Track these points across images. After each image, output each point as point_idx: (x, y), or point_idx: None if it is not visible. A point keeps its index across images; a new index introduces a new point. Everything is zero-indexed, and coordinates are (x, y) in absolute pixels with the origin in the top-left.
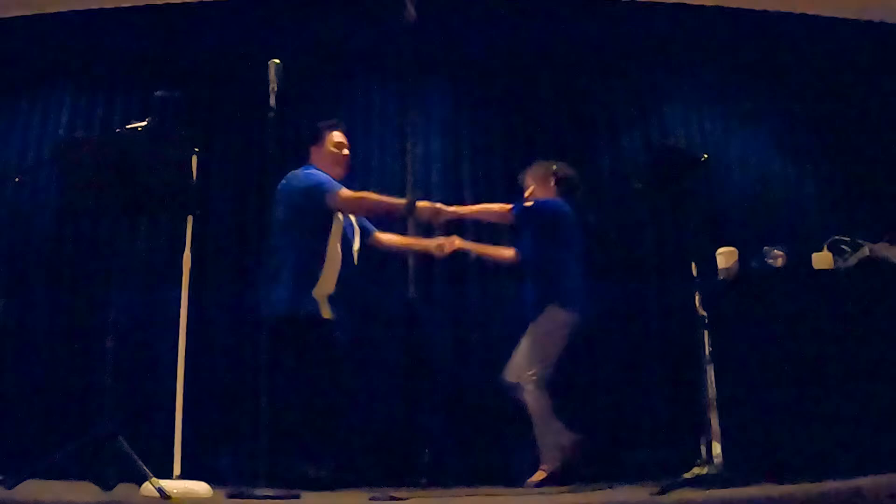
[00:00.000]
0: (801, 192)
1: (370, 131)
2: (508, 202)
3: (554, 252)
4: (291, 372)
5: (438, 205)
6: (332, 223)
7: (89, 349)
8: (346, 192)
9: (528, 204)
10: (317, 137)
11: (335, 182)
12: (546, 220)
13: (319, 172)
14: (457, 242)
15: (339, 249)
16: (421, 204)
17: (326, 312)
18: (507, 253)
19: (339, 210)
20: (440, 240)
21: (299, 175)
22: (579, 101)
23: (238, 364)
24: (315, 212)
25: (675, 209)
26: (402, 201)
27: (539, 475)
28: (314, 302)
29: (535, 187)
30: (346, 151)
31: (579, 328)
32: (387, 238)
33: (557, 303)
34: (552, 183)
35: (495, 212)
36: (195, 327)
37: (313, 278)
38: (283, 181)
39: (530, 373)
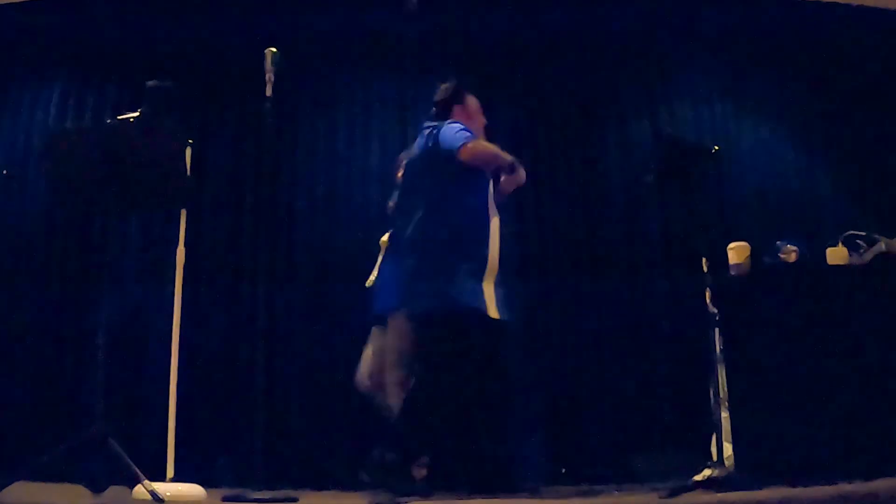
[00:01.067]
0: (816, 184)
1: (370, 123)
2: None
3: None
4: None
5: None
6: (487, 189)
7: (80, 347)
8: (473, 141)
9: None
10: (460, 96)
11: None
12: None
13: (457, 124)
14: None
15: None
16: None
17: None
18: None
19: (468, 158)
20: None
21: (440, 126)
22: (586, 92)
23: (234, 363)
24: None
25: (684, 203)
26: (510, 157)
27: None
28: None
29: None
30: (483, 118)
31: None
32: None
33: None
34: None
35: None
36: (189, 325)
37: (482, 263)
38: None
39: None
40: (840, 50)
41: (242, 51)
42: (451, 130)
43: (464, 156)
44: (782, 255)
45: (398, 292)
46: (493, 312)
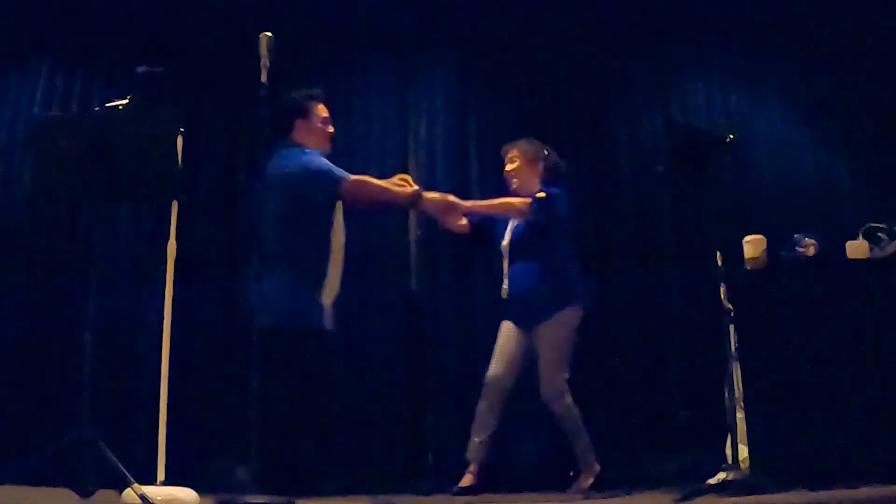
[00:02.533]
0: (835, 174)
1: (369, 111)
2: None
3: (569, 248)
4: (286, 380)
5: (450, 197)
6: (334, 214)
7: (66, 346)
8: (353, 178)
9: (542, 195)
10: (304, 111)
11: (338, 167)
12: (563, 212)
13: (315, 154)
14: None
15: (343, 244)
16: (430, 196)
17: (329, 322)
18: (518, 203)
19: (347, 199)
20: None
21: (297, 158)
22: (595, 79)
23: (227, 362)
24: (321, 202)
25: (698, 194)
26: (408, 191)
27: (588, 480)
28: (319, 309)
29: (523, 165)
30: (331, 127)
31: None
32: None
33: (576, 303)
34: (541, 166)
35: (516, 207)
36: (180, 323)
37: (319, 279)
38: (275, 163)
39: (565, 379)
40: (861, 34)
41: (236, 35)
42: (316, 173)
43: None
44: (800, 249)
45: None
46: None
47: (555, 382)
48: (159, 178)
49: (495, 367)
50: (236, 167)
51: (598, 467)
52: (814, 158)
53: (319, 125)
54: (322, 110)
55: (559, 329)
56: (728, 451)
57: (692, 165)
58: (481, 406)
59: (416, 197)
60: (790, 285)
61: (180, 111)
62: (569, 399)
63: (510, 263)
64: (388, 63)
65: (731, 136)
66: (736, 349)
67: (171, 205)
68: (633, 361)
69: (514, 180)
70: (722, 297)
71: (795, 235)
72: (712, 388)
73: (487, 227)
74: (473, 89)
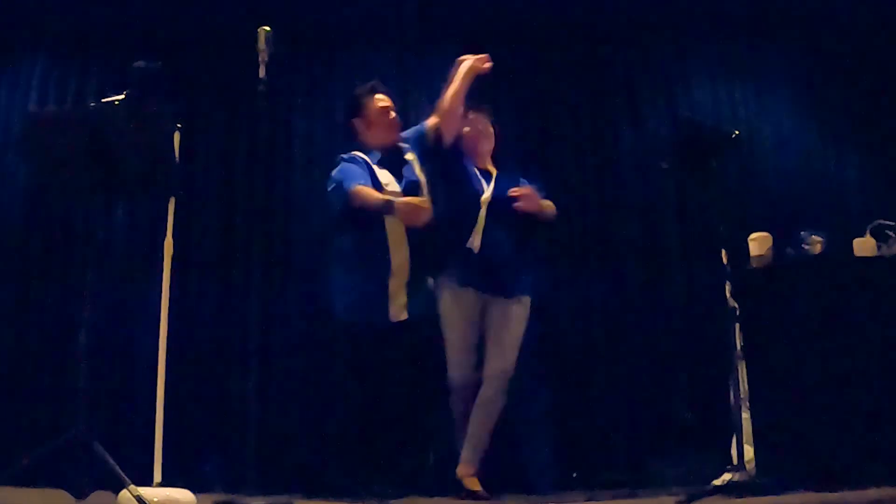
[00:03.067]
0: (842, 171)
1: None
2: (524, 183)
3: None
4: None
5: (419, 200)
6: (376, 224)
7: (62, 345)
8: (352, 189)
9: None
10: (357, 108)
11: (353, 176)
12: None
13: (347, 162)
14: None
15: (405, 258)
16: (401, 202)
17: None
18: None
19: (356, 208)
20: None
21: (333, 173)
22: (598, 73)
23: (225, 361)
24: (340, 213)
25: (702, 191)
26: (383, 198)
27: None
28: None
29: (490, 133)
30: (393, 114)
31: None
32: None
33: (529, 294)
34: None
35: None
36: (178, 322)
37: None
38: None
39: (512, 367)
40: (870, 29)
41: (234, 29)
42: (336, 177)
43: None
44: (806, 247)
45: None
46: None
47: (512, 363)
48: (156, 174)
49: (463, 363)
50: (235, 163)
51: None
52: (821, 154)
53: (379, 117)
54: (377, 101)
55: (520, 316)
56: (733, 451)
57: (697, 162)
58: (458, 413)
59: (389, 205)
60: (796, 284)
61: (177, 107)
62: (504, 392)
63: (487, 221)
64: (388, 57)
65: (737, 132)
66: (741, 348)
67: (168, 202)
68: (637, 361)
69: (487, 142)
70: (727, 295)
71: (802, 233)
72: (717, 388)
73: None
74: (475, 84)
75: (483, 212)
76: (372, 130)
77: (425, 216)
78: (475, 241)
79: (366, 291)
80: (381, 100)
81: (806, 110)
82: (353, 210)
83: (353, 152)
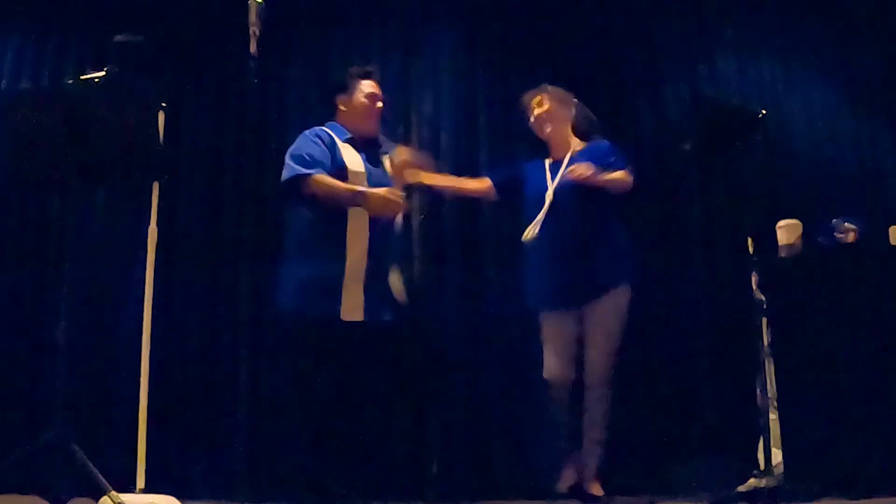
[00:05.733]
0: (877, 154)
1: None
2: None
3: (619, 215)
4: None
5: (391, 192)
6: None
7: (38, 340)
8: (313, 178)
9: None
10: (344, 87)
11: (311, 161)
12: (613, 165)
13: (311, 137)
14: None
15: (363, 251)
16: (374, 194)
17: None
18: (482, 186)
19: (308, 196)
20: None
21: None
22: (616, 48)
23: (213, 358)
24: (293, 195)
25: (727, 175)
26: (350, 189)
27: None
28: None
29: (553, 107)
30: (379, 104)
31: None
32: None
33: (626, 281)
34: (572, 112)
35: (479, 191)
36: (163, 315)
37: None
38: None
39: (610, 369)
40: None
41: (223, 1)
42: (292, 152)
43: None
44: (839, 235)
45: None
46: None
47: (605, 365)
48: (139, 157)
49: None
50: (223, 145)
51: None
52: (854, 136)
53: (363, 101)
54: (367, 86)
55: (611, 310)
56: (760, 455)
57: (721, 144)
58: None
59: (361, 196)
60: (828, 275)
61: (162, 84)
62: (608, 395)
63: (550, 216)
64: (389, 32)
65: (764, 112)
66: (769, 344)
67: (151, 186)
68: (657, 358)
69: (547, 125)
70: (753, 287)
71: (834, 220)
72: (743, 388)
73: (513, 182)
74: (482, 60)
75: (544, 211)
76: (353, 113)
77: (398, 209)
78: (533, 233)
79: (317, 283)
80: (372, 86)
81: (838, 87)
82: (302, 196)
83: (321, 128)
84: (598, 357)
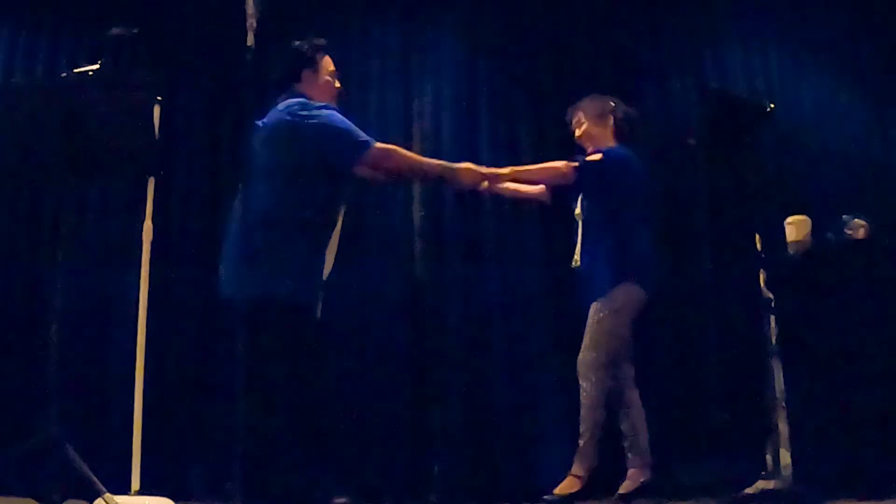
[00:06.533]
0: (888, 149)
1: (368, 75)
2: (539, 158)
3: (627, 216)
4: (276, 369)
5: (487, 169)
6: (347, 182)
7: (30, 340)
8: (381, 146)
9: (595, 157)
10: (312, 61)
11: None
12: (617, 175)
13: (335, 110)
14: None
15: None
16: (463, 167)
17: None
18: (563, 166)
19: (368, 167)
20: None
21: (314, 110)
22: (620, 38)
23: (209, 357)
24: (339, 166)
25: (734, 170)
26: (439, 164)
27: (574, 485)
28: (315, 288)
29: (590, 127)
30: (338, 83)
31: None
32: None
33: (633, 279)
34: (610, 123)
35: (557, 171)
36: (158, 313)
37: (320, 251)
38: (281, 113)
39: (592, 369)
40: None
41: None
42: (336, 131)
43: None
44: (849, 231)
45: None
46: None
47: (585, 362)
48: (134, 152)
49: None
50: (219, 139)
51: (583, 473)
52: (865, 130)
53: (327, 78)
54: (329, 63)
55: (608, 305)
56: (768, 457)
57: (728, 137)
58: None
59: (451, 171)
60: (837, 272)
61: (157, 77)
62: (597, 382)
63: (583, 233)
64: (389, 21)
65: (772, 105)
66: (777, 343)
67: (147, 182)
68: (663, 357)
69: (587, 145)
70: (761, 285)
71: (844, 216)
72: (750, 387)
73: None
74: (484, 50)
75: (579, 227)
76: (318, 89)
77: (482, 180)
78: (575, 258)
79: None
80: (331, 63)
81: (849, 80)
82: (354, 167)
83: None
84: (582, 352)
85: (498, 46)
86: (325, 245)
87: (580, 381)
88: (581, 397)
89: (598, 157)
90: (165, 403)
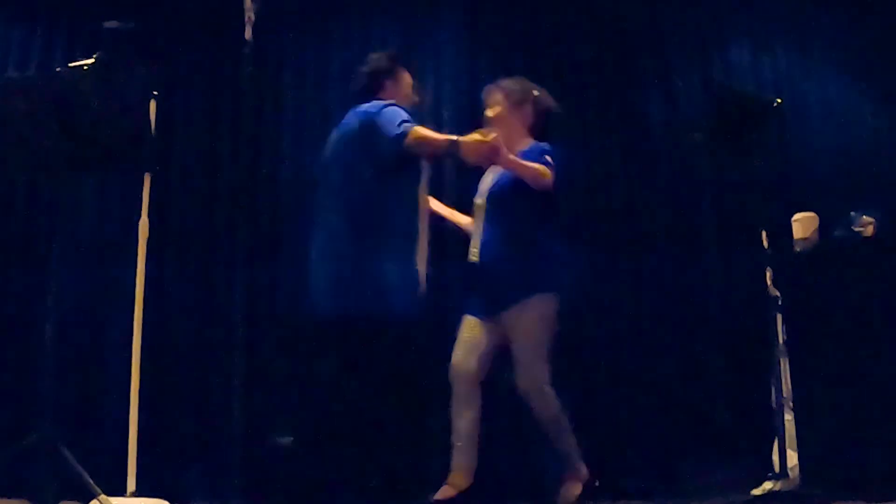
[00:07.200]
0: None
1: None
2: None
3: (554, 219)
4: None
5: (492, 136)
6: (420, 168)
7: (25, 338)
8: (416, 130)
9: (547, 157)
10: (391, 72)
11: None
12: (556, 176)
13: (398, 107)
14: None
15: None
16: (467, 140)
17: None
18: (546, 173)
19: (409, 153)
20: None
21: (376, 105)
22: (625, 33)
23: (206, 356)
24: (389, 155)
25: (741, 166)
26: (446, 139)
27: (576, 487)
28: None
29: (505, 111)
30: (417, 97)
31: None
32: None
33: (551, 290)
34: (528, 112)
35: (541, 174)
36: (154, 311)
37: (411, 248)
38: (354, 114)
39: (540, 375)
40: None
41: None
42: (390, 115)
43: (407, 145)
44: (857, 228)
45: None
46: None
47: (532, 372)
48: (130, 147)
49: (456, 354)
50: (217, 135)
51: (585, 471)
52: (873, 125)
53: (407, 91)
54: (408, 76)
55: (531, 315)
56: (775, 458)
57: (734, 133)
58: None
59: (454, 144)
60: (845, 270)
61: (154, 72)
62: (549, 392)
63: (484, 223)
64: (390, 14)
65: (779, 101)
66: (784, 342)
67: (143, 177)
68: (667, 357)
69: (495, 128)
70: (768, 283)
71: (852, 213)
72: (757, 387)
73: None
74: (485, 43)
75: (478, 218)
76: (401, 98)
77: (496, 153)
78: (473, 251)
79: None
80: (410, 78)
81: (856, 75)
82: (403, 159)
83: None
84: (522, 365)
85: (500, 45)
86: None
87: (533, 402)
88: (541, 418)
89: (548, 158)
90: (162, 403)
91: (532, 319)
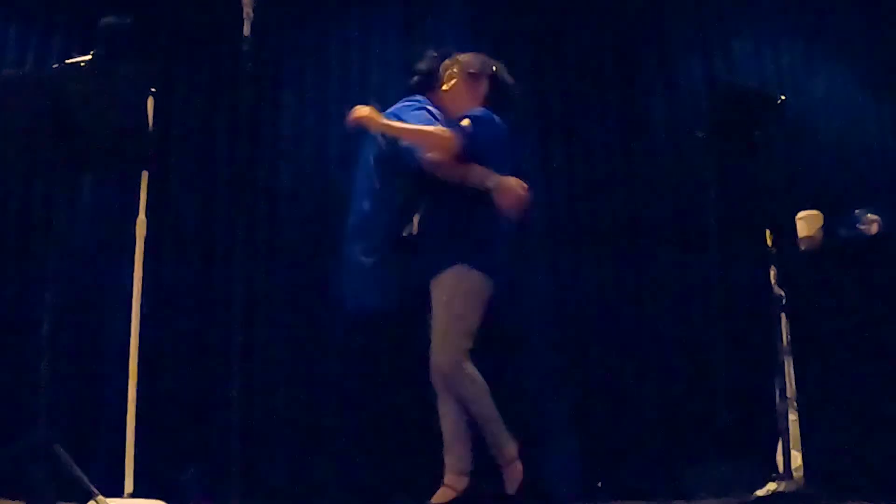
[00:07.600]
0: None
1: (368, 67)
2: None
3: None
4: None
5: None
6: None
7: (21, 337)
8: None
9: (465, 123)
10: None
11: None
12: (485, 144)
13: (423, 111)
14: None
15: None
16: (507, 182)
17: None
18: (443, 134)
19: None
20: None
21: (405, 105)
22: (624, 27)
23: (204, 356)
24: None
25: (744, 163)
26: (482, 171)
27: (515, 471)
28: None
29: (461, 83)
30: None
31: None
32: None
33: (472, 262)
34: (483, 87)
35: (442, 140)
36: (151, 312)
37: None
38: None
39: (454, 354)
40: None
41: None
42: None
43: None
44: (861, 227)
45: None
46: None
47: (444, 346)
48: (127, 145)
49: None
50: (215, 133)
51: (516, 452)
52: (878, 123)
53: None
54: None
55: (447, 285)
56: (779, 458)
57: (738, 130)
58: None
59: (495, 183)
60: (850, 268)
61: (151, 68)
62: (468, 371)
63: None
64: (391, 9)
65: (783, 98)
66: (788, 342)
67: (140, 176)
68: (670, 356)
69: (450, 101)
70: (772, 281)
71: (856, 211)
72: (761, 387)
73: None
74: (487, 38)
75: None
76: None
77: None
78: (414, 223)
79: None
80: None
81: (862, 72)
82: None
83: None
84: (434, 337)
85: (499, 37)
86: None
87: (448, 381)
88: (459, 398)
89: (467, 122)
90: (160, 403)
91: (448, 288)
